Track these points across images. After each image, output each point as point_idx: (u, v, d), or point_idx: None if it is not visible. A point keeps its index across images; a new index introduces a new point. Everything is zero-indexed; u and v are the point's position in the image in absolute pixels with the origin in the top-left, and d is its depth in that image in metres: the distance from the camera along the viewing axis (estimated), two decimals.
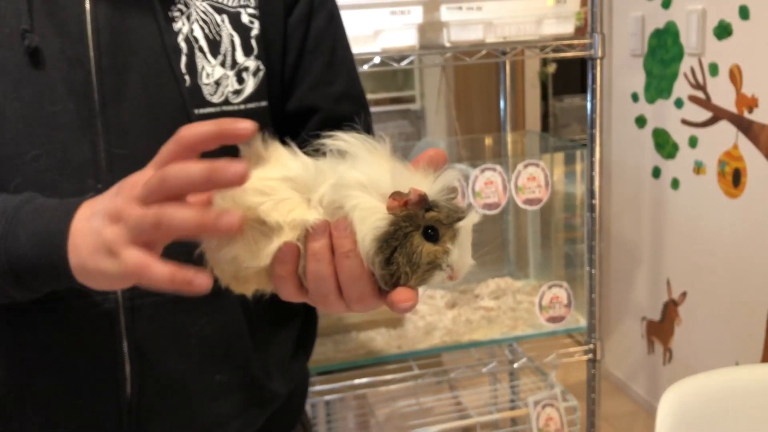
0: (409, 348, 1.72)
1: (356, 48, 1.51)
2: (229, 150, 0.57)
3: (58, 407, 0.75)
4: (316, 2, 0.83)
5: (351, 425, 2.11)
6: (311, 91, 0.82)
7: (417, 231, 0.54)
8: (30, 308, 0.72)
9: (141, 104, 0.74)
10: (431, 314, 1.84)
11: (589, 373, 1.81)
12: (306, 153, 0.59)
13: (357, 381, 1.70)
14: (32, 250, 0.61)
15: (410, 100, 4.30)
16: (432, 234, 0.55)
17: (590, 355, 1.78)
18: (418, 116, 4.26)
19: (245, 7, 0.78)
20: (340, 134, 0.56)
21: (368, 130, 0.86)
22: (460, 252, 0.55)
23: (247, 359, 0.82)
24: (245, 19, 0.78)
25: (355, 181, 0.54)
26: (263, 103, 0.79)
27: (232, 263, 0.58)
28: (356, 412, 2.23)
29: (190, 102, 0.75)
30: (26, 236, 0.62)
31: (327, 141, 0.57)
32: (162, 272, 0.54)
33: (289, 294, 0.58)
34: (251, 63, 0.78)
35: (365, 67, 1.54)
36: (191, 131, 0.55)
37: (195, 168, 0.52)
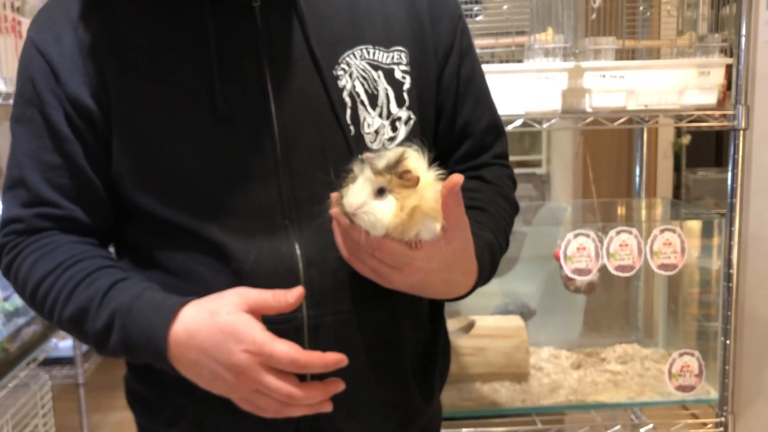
0: (533, 403, 1.74)
1: (501, 109, 1.61)
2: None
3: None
4: (463, 52, 0.95)
5: None
6: (466, 126, 0.96)
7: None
8: None
9: (314, 152, 0.85)
10: (556, 373, 1.86)
11: None
12: None
13: (480, 429, 1.73)
14: (143, 348, 0.80)
15: (536, 164, 4.34)
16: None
17: (721, 429, 1.73)
18: (543, 180, 4.29)
19: (398, 64, 0.89)
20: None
21: (505, 151, 1.01)
22: (348, 197, 0.75)
23: (405, 377, 0.91)
24: (398, 74, 0.89)
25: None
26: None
27: None
28: None
29: (355, 149, 0.85)
30: (138, 333, 0.79)
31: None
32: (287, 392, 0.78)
33: None
34: (403, 113, 0.89)
35: (509, 127, 1.62)
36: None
37: (318, 362, 0.78)
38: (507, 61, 1.67)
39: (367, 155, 0.75)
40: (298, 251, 0.84)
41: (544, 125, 1.64)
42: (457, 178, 0.72)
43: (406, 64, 0.89)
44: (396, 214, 0.73)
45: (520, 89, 1.60)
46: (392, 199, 0.73)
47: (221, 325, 0.75)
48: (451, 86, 0.94)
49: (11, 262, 0.88)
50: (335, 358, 0.76)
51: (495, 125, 0.99)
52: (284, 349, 0.74)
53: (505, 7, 1.67)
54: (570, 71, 1.59)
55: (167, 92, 0.83)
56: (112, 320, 0.80)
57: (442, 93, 0.94)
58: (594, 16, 1.65)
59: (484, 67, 1.62)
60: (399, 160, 0.74)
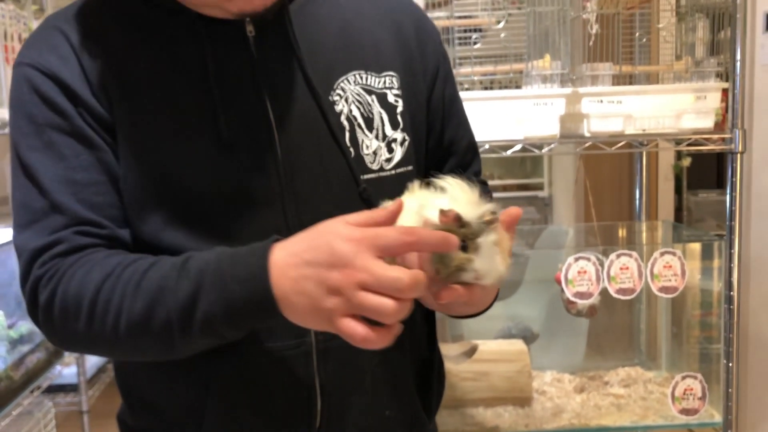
0: (536, 427, 1.74)
1: (500, 135, 1.63)
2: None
3: None
4: (447, 75, 0.99)
5: None
6: (451, 145, 1.00)
7: None
8: (236, 350, 0.82)
9: (317, 175, 0.86)
10: (559, 396, 1.86)
11: None
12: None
13: None
14: (242, 294, 0.71)
15: (538, 187, 4.36)
16: (463, 245, 0.71)
17: None
18: (546, 203, 4.30)
19: (390, 88, 0.91)
20: (447, 178, 0.77)
21: (480, 169, 1.04)
22: (483, 261, 0.71)
23: (411, 396, 0.92)
24: (391, 98, 0.91)
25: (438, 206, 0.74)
26: (410, 168, 0.92)
27: None
28: None
29: (356, 170, 0.87)
30: (233, 279, 0.71)
31: (436, 180, 0.77)
32: (362, 334, 0.68)
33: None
34: (398, 135, 0.91)
35: (509, 152, 1.64)
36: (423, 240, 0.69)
37: (434, 237, 0.68)
38: (506, 88, 1.69)
39: (450, 210, 0.71)
40: None
41: (544, 150, 1.66)
42: (517, 212, 0.74)
43: (397, 88, 0.92)
44: (505, 260, 0.74)
45: (519, 115, 1.62)
46: (497, 250, 0.74)
47: (318, 229, 0.70)
48: (438, 107, 0.97)
49: (53, 292, 0.78)
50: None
51: (473, 144, 1.04)
52: (392, 230, 0.69)
53: (503, 35, 1.69)
54: (568, 97, 1.62)
55: (170, 120, 0.83)
56: (199, 283, 0.73)
57: (431, 114, 0.97)
58: (591, 42, 1.67)
59: (484, 93, 1.65)
60: (489, 216, 0.72)
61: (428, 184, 0.79)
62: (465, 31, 1.72)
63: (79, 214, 0.80)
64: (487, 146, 1.64)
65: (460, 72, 1.70)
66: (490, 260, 0.72)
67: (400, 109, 0.91)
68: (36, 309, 0.80)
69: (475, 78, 1.71)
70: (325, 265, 0.68)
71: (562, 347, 2.08)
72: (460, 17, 1.73)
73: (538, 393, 1.87)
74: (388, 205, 0.74)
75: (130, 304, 0.74)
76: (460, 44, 1.71)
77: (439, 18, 1.75)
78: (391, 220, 0.71)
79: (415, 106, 0.93)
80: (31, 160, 0.82)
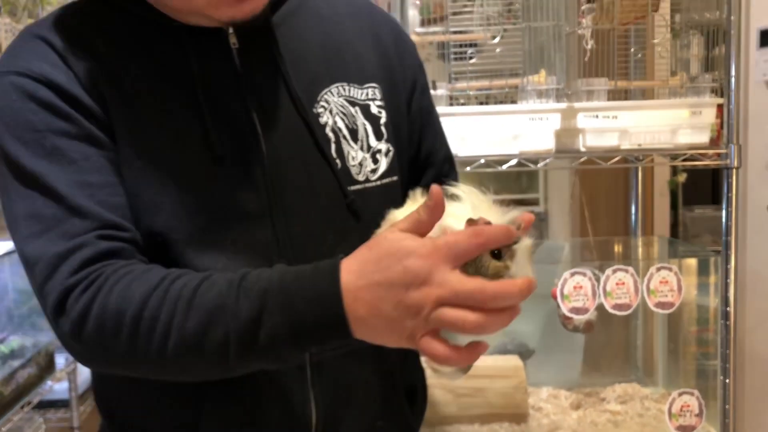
0: None
1: (495, 149, 1.63)
2: None
3: None
4: (423, 87, 1.00)
5: None
6: (429, 156, 1.00)
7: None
8: None
9: (304, 187, 0.86)
10: (555, 413, 1.84)
11: None
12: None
13: None
14: (313, 316, 0.68)
15: (534, 202, 4.36)
16: (497, 253, 0.69)
17: None
18: (541, 218, 4.30)
19: (373, 100, 0.92)
20: (460, 186, 0.75)
21: (457, 180, 1.03)
22: (518, 267, 0.69)
23: (401, 404, 0.93)
24: (374, 110, 0.91)
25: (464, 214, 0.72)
26: (395, 178, 0.92)
27: None
28: None
29: (343, 181, 0.87)
30: (303, 302, 0.68)
31: (448, 188, 0.73)
32: (443, 353, 0.66)
33: None
34: (383, 146, 0.91)
35: (504, 167, 1.64)
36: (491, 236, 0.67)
37: (499, 232, 0.66)
38: (501, 103, 1.69)
39: (480, 219, 0.69)
40: None
41: (539, 165, 1.65)
42: (530, 217, 0.73)
43: (380, 100, 0.92)
44: (533, 265, 0.73)
45: (515, 130, 1.62)
46: (527, 255, 0.72)
47: (383, 247, 0.67)
48: (417, 118, 0.98)
49: (89, 306, 0.73)
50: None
51: (450, 156, 1.05)
52: (460, 235, 0.66)
53: (498, 50, 1.70)
54: (563, 112, 1.62)
55: (161, 130, 0.82)
56: (262, 303, 0.69)
57: (410, 124, 0.97)
58: (587, 57, 1.68)
59: (479, 108, 1.65)
60: (519, 222, 0.71)
61: None
62: (461, 46, 1.72)
63: (101, 217, 0.77)
64: (482, 161, 1.64)
65: (456, 87, 1.70)
66: (524, 266, 0.70)
67: (383, 120, 0.92)
68: (61, 320, 0.74)
69: (471, 93, 1.71)
70: (401, 286, 0.65)
71: (558, 363, 2.07)
72: (455, 32, 1.73)
73: (534, 409, 1.85)
74: (393, 212, 0.76)
75: (181, 322, 0.70)
76: (455, 59, 1.72)
77: (435, 33, 1.76)
78: (436, 216, 0.67)
79: (397, 117, 0.94)
80: (37, 168, 0.77)
